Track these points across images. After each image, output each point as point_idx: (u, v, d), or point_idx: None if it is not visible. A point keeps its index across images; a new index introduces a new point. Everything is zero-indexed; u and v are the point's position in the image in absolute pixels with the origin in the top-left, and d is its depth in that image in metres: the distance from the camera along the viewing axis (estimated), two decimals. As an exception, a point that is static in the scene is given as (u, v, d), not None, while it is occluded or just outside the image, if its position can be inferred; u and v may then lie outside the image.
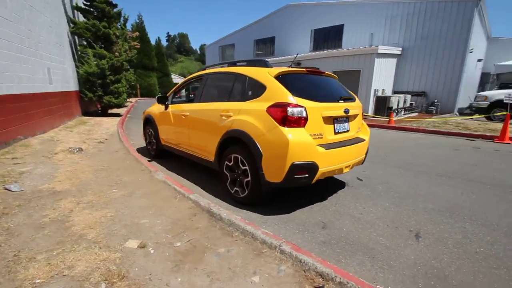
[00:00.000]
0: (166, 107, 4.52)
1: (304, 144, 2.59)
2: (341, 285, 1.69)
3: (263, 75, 2.96)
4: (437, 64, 14.70)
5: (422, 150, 6.04)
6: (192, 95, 4.83)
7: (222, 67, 3.82)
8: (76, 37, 10.32)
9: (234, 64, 3.62)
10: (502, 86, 13.49)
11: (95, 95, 10.31)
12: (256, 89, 2.98)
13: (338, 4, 18.29)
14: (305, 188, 3.62)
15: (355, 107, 3.22)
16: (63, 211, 2.72)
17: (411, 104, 14.67)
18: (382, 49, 13.96)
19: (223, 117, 3.20)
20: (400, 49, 15.61)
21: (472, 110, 10.98)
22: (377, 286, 1.73)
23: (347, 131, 3.14)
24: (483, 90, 18.48)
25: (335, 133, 2.97)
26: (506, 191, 3.58)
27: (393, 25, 16.07)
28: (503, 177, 4.14)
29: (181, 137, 4.12)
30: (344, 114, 3.01)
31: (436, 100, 14.80)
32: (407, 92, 15.40)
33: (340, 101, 3.08)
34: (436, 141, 7.07)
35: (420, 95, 15.35)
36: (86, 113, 11.19)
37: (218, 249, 2.19)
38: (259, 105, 2.84)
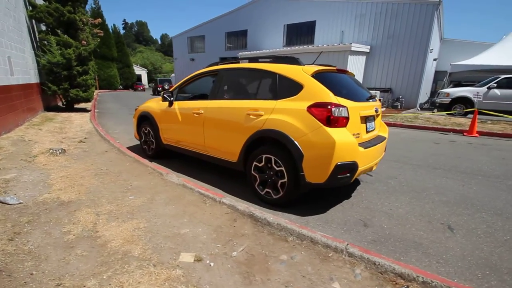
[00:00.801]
0: (171, 104, 4.20)
1: (348, 144, 2.59)
2: (425, 284, 1.74)
3: (298, 73, 2.88)
4: (401, 62, 15.84)
5: (408, 144, 6.49)
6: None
7: (239, 62, 3.65)
8: (34, 22, 9.06)
9: (255, 60, 3.46)
10: (456, 84, 15.11)
11: (60, 88, 9.25)
12: (290, 87, 2.89)
13: (311, 1, 18.62)
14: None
15: (379, 106, 3.32)
16: (85, 225, 2.38)
17: (380, 99, 15.65)
18: (354, 47, 14.62)
19: (251, 116, 3.06)
20: (369, 47, 16.48)
21: (435, 106, 12.07)
22: (455, 280, 1.81)
23: (374, 129, 3.22)
24: (435, 87, 20.50)
25: (367, 132, 3.02)
26: (497, 181, 4.01)
27: (362, 24, 16.86)
28: (487, 168, 4.63)
29: (193, 137, 3.87)
30: (375, 113, 3.08)
31: (400, 96, 15.99)
32: (375, 89, 16.42)
33: (370, 100, 3.14)
34: (415, 135, 7.65)
35: (387, 91, 16.46)
36: (48, 108, 10.00)
37: (279, 256, 2.10)
38: (297, 104, 2.77)
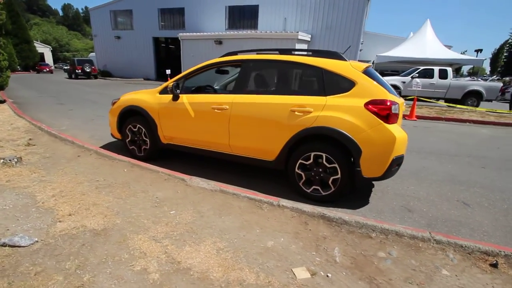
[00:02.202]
0: (176, 98, 3.64)
1: (403, 139, 2.77)
2: (507, 257, 2.07)
3: (348, 69, 2.87)
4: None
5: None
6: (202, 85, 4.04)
7: (268, 53, 3.39)
8: None
9: (288, 52, 3.27)
10: (379, 73, 17.50)
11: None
12: (341, 83, 2.87)
13: (253, -17, 18.35)
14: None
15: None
16: (157, 257, 1.94)
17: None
18: (301, 35, 15.26)
19: (296, 113, 2.94)
20: (310, 36, 17.46)
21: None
22: None
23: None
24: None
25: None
26: (460, 159, 4.93)
27: (304, 13, 17.63)
28: (444, 148, 5.63)
29: (211, 135, 3.48)
30: (404, 108, 3.35)
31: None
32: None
33: (398, 96, 3.38)
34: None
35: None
36: None
37: (376, 254, 2.16)
38: (351, 101, 2.78)
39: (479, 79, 15.35)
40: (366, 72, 2.89)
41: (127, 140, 4.21)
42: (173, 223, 2.41)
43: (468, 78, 16.97)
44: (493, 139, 6.64)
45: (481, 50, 28.22)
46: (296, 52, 3.23)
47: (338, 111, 2.80)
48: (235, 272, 1.84)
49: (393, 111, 2.70)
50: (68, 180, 3.17)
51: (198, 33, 17.60)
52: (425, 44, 16.64)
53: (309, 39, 17.20)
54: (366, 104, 2.72)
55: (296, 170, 3.07)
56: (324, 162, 2.92)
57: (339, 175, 2.88)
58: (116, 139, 4.49)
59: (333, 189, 2.95)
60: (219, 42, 16.64)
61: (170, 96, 3.71)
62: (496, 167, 4.53)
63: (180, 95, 3.64)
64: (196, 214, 2.58)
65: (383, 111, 2.68)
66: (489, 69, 39.22)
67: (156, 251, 2.01)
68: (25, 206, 2.55)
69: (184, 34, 17.82)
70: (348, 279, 1.88)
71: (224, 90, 4.28)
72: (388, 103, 2.69)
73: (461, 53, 21.50)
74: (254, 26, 19.02)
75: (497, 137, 6.88)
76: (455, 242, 2.21)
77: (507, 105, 12.48)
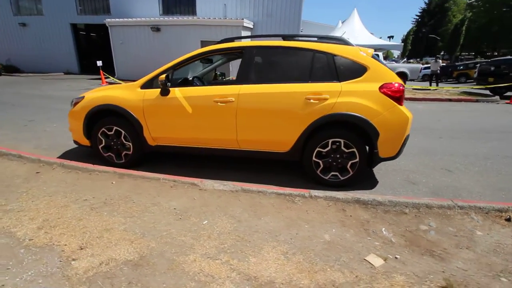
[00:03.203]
0: (166, 92, 3.16)
1: (411, 118, 2.97)
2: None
3: (359, 55, 2.90)
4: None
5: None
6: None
7: (269, 39, 3.17)
8: None
9: (291, 38, 3.12)
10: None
11: None
12: (353, 69, 2.89)
13: (187, -34, 17.12)
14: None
15: None
16: (224, 276, 1.67)
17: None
18: (245, 23, 15.01)
19: (312, 101, 2.87)
20: (252, 23, 17.35)
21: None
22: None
23: None
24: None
25: None
26: (429, 132, 5.64)
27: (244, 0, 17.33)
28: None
29: (215, 132, 3.15)
30: None
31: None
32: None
33: None
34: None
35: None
36: None
37: (420, 227, 2.30)
38: (366, 86, 2.84)
39: (400, 62, 17.72)
40: (373, 57, 2.98)
41: (100, 147, 3.51)
42: (214, 234, 2.12)
43: (387, 61, 19.49)
44: (431, 113, 7.80)
45: (392, 37, 32.65)
46: (300, 38, 3.12)
47: (355, 97, 2.83)
48: (320, 275, 1.72)
49: (403, 94, 2.86)
50: (45, 205, 2.48)
51: (130, 19, 15.65)
52: (354, 32, 18.28)
53: (252, 27, 17.08)
54: (381, 88, 2.81)
55: (314, 158, 3.04)
56: (343, 147, 2.95)
57: (357, 159, 2.96)
58: (80, 146, 3.71)
59: (351, 173, 3.02)
60: (156, 29, 15.14)
61: (157, 90, 3.21)
62: (449, 136, 5.33)
63: (172, 89, 3.17)
64: (232, 220, 2.32)
65: (396, 93, 2.81)
66: (398, 53, 45.77)
67: (222, 270, 1.73)
68: (6, 248, 1.89)
69: (113, 20, 15.61)
70: (414, 257, 1.96)
71: (224, 81, 3.92)
72: (401, 86, 2.84)
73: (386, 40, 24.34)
74: (193, 12, 17.88)
75: (433, 111, 8.11)
76: (474, 205, 2.51)
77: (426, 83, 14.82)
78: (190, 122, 3.19)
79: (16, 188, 2.84)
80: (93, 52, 21.96)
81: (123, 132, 3.39)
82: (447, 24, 47.13)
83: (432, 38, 44.17)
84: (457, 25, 40.42)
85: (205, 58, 3.50)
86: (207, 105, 3.10)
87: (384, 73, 2.88)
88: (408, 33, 55.90)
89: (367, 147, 3.01)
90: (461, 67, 21.42)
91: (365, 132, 2.86)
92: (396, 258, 1.94)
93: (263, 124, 3.04)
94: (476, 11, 40.22)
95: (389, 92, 2.80)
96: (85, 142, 3.58)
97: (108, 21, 15.62)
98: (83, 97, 3.50)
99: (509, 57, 12.95)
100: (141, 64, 15.88)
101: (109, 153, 3.54)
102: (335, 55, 2.91)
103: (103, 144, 3.49)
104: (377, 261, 1.88)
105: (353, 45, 3.03)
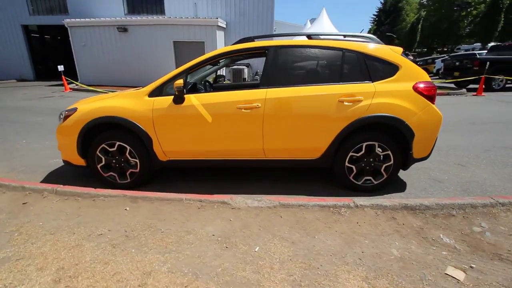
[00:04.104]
0: (180, 100, 2.78)
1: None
2: (552, 204, 2.51)
3: (390, 53, 2.78)
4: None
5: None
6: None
7: (285, 38, 2.93)
8: None
9: (316, 36, 2.91)
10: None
11: None
12: (385, 68, 2.77)
13: (153, -38, 16.22)
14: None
15: None
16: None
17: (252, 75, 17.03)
18: (219, 22, 14.59)
19: (346, 103, 2.69)
20: (225, 23, 16.95)
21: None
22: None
23: None
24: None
25: None
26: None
27: (214, -2, 16.86)
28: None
29: (240, 141, 2.85)
30: None
31: (258, 70, 18.00)
32: (238, 64, 17.49)
33: None
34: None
35: (247, 66, 17.98)
36: None
37: (473, 229, 2.24)
38: (399, 85, 2.73)
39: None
40: (402, 55, 2.88)
41: (99, 166, 3.02)
42: (276, 263, 1.84)
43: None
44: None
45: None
46: (323, 37, 2.93)
47: (389, 97, 2.71)
48: (416, 300, 1.54)
49: (436, 92, 2.81)
50: (51, 247, 2.01)
51: (93, 19, 14.35)
52: (324, 31, 18.76)
53: (225, 26, 16.68)
54: (414, 87, 2.72)
55: (346, 164, 2.87)
56: (377, 150, 2.82)
57: (391, 162, 2.85)
58: (72, 166, 3.15)
59: (385, 176, 2.91)
60: (123, 29, 14.06)
61: (168, 98, 2.82)
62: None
63: (188, 95, 2.80)
64: (285, 243, 2.06)
65: (430, 92, 2.74)
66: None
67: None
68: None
69: (74, 20, 14.18)
70: (487, 264, 1.87)
71: (245, 84, 3.60)
72: (433, 85, 2.77)
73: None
74: (161, 11, 16.98)
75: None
76: (503, 201, 2.51)
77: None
78: (210, 133, 2.84)
79: (2, 227, 2.29)
80: (49, 56, 19.99)
81: (128, 147, 2.94)
82: (401, 22, 50.59)
83: (389, 36, 47.22)
84: (414, 23, 43.48)
85: (221, 60, 3.16)
86: (229, 112, 2.78)
87: (416, 71, 2.79)
88: (369, 32, 59.16)
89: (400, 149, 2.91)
90: (421, 63, 23.00)
91: (400, 134, 2.75)
92: (472, 267, 1.83)
93: (292, 131, 2.81)
94: (427, 10, 43.75)
95: (423, 91, 2.72)
96: (79, 161, 3.06)
97: (67, 21, 14.20)
98: (75, 109, 2.97)
99: (471, 52, 14.07)
100: (107, 67, 14.72)
101: (111, 173, 3.05)
102: (366, 54, 2.76)
103: (103, 162, 3.00)
104: (459, 275, 1.75)
105: (382, 43, 2.91)
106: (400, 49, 2.86)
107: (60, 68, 12.39)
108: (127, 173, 3.05)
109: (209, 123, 2.80)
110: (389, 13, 53.96)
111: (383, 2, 55.56)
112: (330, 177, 3.24)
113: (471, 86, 11.65)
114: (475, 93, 10.43)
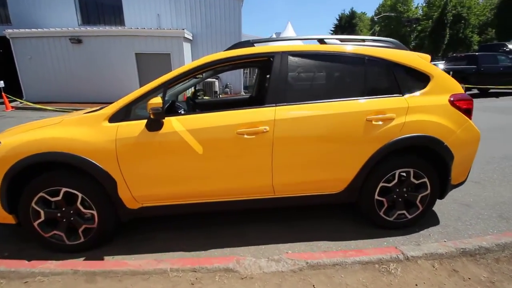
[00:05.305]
0: (157, 125, 2.00)
1: None
2: None
3: (419, 61, 2.30)
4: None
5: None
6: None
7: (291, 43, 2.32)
8: None
9: (321, 41, 2.33)
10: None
11: None
12: (416, 78, 2.28)
13: (110, -30, 15.11)
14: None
15: None
16: None
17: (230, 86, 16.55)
18: (186, 34, 13.84)
19: (374, 122, 2.13)
20: (192, 34, 16.22)
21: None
22: None
23: None
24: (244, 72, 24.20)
25: None
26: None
27: (179, 9, 16.12)
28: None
29: (242, 177, 2.14)
30: None
31: (228, 83, 17.41)
32: (206, 78, 16.74)
33: None
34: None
35: (216, 79, 17.29)
36: None
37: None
38: (434, 99, 2.25)
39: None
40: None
41: (36, 223, 2.07)
42: None
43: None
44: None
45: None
46: (336, 42, 2.35)
47: (425, 114, 2.20)
48: None
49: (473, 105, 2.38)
50: None
51: (41, 30, 12.64)
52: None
53: (191, 38, 15.92)
54: (451, 101, 2.26)
55: (376, 197, 2.29)
56: (412, 178, 2.29)
57: (428, 191, 2.33)
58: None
59: (421, 208, 2.37)
60: (77, 40, 12.56)
61: (139, 123, 2.03)
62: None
63: (168, 118, 2.03)
64: None
65: (469, 105, 2.30)
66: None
67: None
68: None
69: (17, 31, 12.32)
70: None
71: (238, 99, 2.92)
72: (470, 98, 2.34)
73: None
74: (120, 22, 15.75)
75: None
76: None
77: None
78: (200, 168, 2.09)
79: None
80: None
81: (79, 195, 2.05)
82: (357, 38, 54.14)
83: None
84: (367, 39, 46.59)
85: (210, 70, 2.45)
86: (226, 139, 2.06)
87: (449, 82, 2.34)
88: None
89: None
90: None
91: (439, 157, 2.25)
92: None
93: (310, 160, 2.16)
94: (379, 26, 47.36)
95: (460, 105, 2.27)
96: (5, 218, 2.09)
97: (9, 32, 12.36)
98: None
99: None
100: (59, 82, 13.02)
101: (55, 232, 2.12)
102: (394, 62, 2.24)
103: (42, 218, 2.07)
104: None
105: (407, 49, 2.43)
106: (428, 57, 2.41)
107: (0, 84, 10.58)
108: (80, 230, 2.14)
109: (199, 155, 2.04)
110: (345, 29, 57.45)
111: (338, 18, 59.16)
112: (352, 210, 2.65)
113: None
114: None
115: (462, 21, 30.39)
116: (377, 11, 48.09)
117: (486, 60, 11.46)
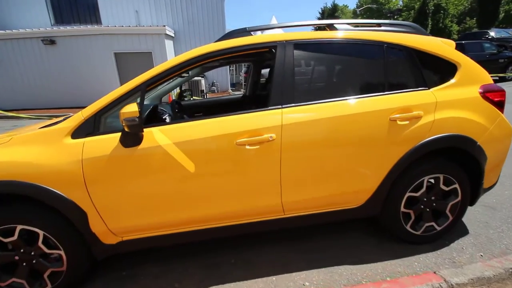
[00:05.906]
0: (133, 140, 1.58)
1: None
2: None
3: (444, 47, 1.97)
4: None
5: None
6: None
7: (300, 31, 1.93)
8: None
9: (331, 26, 1.94)
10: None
11: None
12: (441, 68, 1.95)
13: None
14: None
15: None
16: None
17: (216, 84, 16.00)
18: (167, 31, 13.19)
19: (399, 122, 1.79)
20: (173, 31, 15.54)
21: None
22: None
23: None
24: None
25: None
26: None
27: (158, 5, 15.38)
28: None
29: (243, 198, 1.75)
30: None
31: (214, 81, 16.85)
32: (193, 76, 16.12)
33: None
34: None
35: (202, 77, 16.68)
36: None
37: None
38: (463, 91, 1.93)
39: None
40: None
41: (-16, 271, 1.62)
42: None
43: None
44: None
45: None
46: (348, 27, 1.97)
47: (455, 109, 1.88)
48: None
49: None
50: None
51: (9, 31, 11.65)
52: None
53: (173, 35, 15.24)
54: (484, 93, 1.94)
55: (402, 209, 1.96)
56: (441, 185, 1.97)
57: (459, 198, 2.02)
58: None
59: (451, 218, 2.06)
60: (50, 41, 11.67)
61: (111, 138, 1.60)
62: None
63: (148, 129, 1.61)
64: None
65: (501, 97, 1.99)
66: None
67: None
68: None
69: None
70: None
71: (232, 99, 2.52)
72: (500, 88, 2.03)
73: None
74: (96, 20, 14.86)
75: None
76: None
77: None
78: (192, 189, 1.69)
79: None
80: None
81: (40, 232, 1.61)
82: (340, 30, 54.42)
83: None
84: (350, 31, 46.89)
85: (198, 67, 2.03)
86: (223, 151, 1.67)
87: (478, 70, 2.02)
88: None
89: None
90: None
91: (472, 159, 1.94)
92: None
93: (325, 171, 1.80)
94: (361, 18, 47.76)
95: (492, 97, 1.96)
96: None
97: (-30, 33, 11.35)
98: None
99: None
100: (32, 87, 12.11)
101: (14, 279, 1.67)
102: (417, 50, 1.90)
103: (-4, 263, 1.62)
104: None
105: (428, 34, 2.09)
106: (453, 43, 2.07)
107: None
108: (46, 275, 1.70)
109: (190, 174, 1.64)
110: (328, 22, 57.54)
111: (321, 12, 59.13)
112: (363, 220, 2.32)
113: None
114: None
115: (441, 11, 30.84)
116: (358, 3, 48.28)
117: (473, 48, 11.48)
